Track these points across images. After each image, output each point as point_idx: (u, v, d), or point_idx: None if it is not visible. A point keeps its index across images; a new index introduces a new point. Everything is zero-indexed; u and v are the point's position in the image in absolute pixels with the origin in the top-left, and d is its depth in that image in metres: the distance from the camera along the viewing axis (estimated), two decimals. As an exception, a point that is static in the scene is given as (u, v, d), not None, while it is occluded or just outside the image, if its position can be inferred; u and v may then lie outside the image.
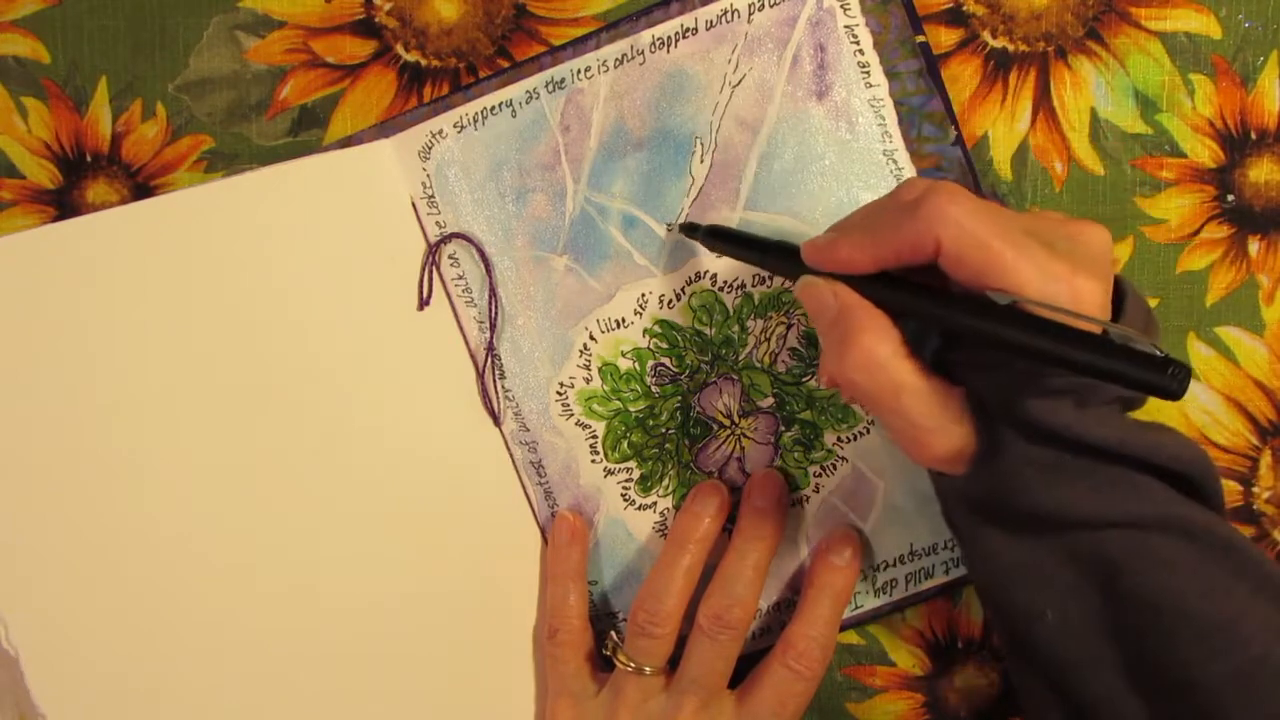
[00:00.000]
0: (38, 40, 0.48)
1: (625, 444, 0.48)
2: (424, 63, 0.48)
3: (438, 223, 0.48)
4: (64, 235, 0.42)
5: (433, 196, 0.47)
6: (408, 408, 0.48)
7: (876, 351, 0.37)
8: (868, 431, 0.47)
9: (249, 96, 0.48)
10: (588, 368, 0.48)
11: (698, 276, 0.46)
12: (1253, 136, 0.46)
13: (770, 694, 0.44)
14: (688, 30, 0.45)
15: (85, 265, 0.43)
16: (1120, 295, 0.38)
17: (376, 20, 0.48)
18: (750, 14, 0.45)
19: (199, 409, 0.46)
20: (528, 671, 0.49)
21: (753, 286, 0.46)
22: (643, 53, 0.45)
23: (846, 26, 0.44)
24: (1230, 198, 0.47)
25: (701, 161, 0.46)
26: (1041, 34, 0.46)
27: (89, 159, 0.49)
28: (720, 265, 0.46)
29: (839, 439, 0.47)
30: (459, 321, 0.48)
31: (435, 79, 0.48)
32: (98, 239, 0.44)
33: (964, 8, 0.46)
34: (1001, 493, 0.37)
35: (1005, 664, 0.49)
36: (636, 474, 0.48)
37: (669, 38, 0.45)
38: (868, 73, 0.44)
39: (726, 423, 0.47)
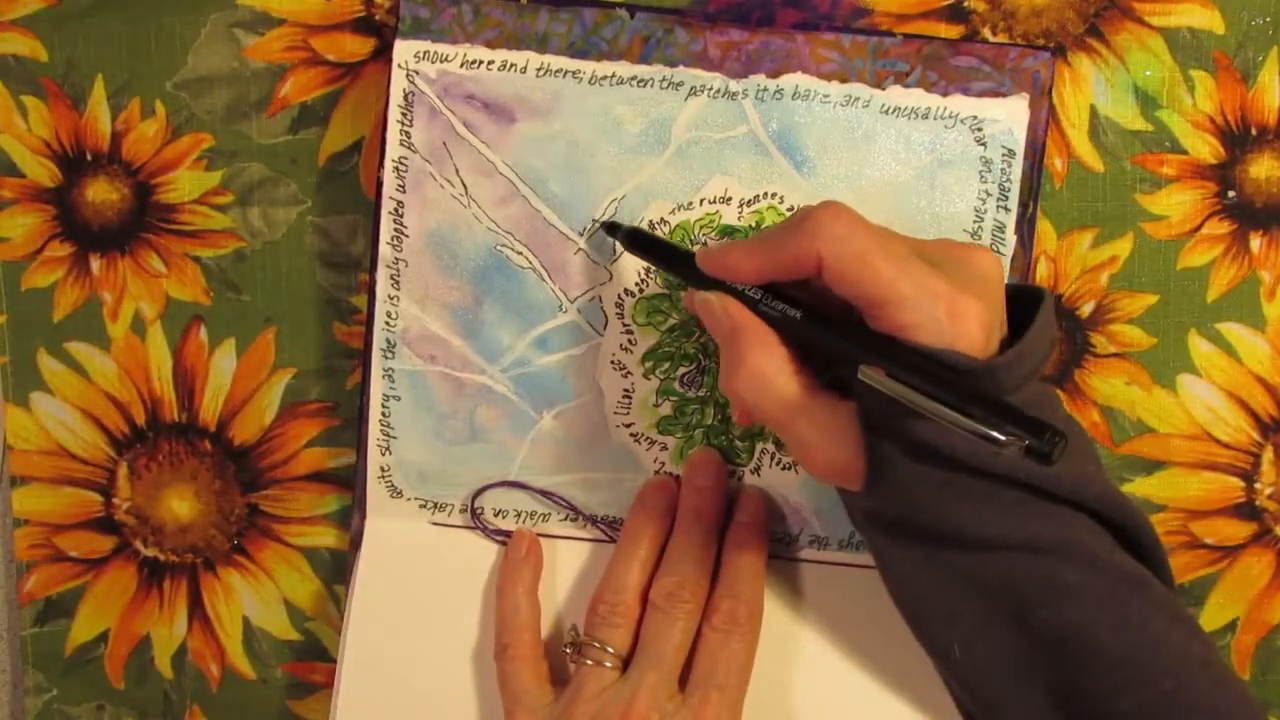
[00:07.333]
0: (36, 39, 0.48)
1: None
2: (425, 60, 0.48)
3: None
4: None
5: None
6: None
7: (763, 368, 0.38)
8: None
9: (249, 94, 0.48)
10: None
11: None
12: (1253, 132, 0.46)
13: (705, 660, 0.43)
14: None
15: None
16: (1029, 317, 0.37)
17: (376, 18, 0.48)
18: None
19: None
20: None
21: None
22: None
23: None
24: (1231, 194, 0.47)
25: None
26: (1042, 30, 0.46)
27: (89, 157, 0.49)
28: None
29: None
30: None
31: (435, 77, 0.48)
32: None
33: (964, 4, 0.46)
34: (898, 509, 0.37)
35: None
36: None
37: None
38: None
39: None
